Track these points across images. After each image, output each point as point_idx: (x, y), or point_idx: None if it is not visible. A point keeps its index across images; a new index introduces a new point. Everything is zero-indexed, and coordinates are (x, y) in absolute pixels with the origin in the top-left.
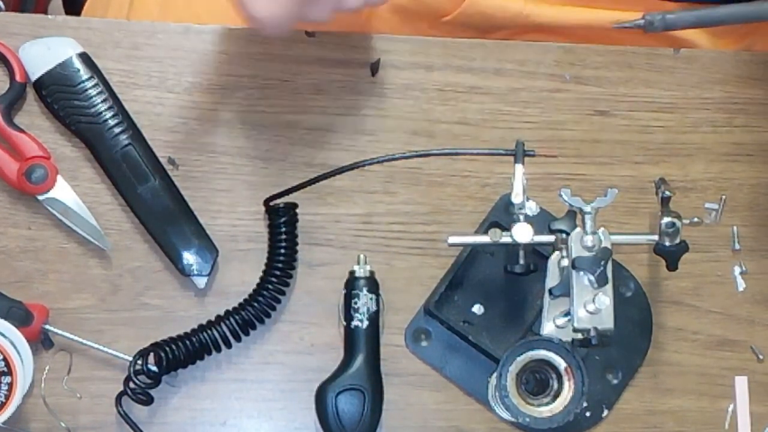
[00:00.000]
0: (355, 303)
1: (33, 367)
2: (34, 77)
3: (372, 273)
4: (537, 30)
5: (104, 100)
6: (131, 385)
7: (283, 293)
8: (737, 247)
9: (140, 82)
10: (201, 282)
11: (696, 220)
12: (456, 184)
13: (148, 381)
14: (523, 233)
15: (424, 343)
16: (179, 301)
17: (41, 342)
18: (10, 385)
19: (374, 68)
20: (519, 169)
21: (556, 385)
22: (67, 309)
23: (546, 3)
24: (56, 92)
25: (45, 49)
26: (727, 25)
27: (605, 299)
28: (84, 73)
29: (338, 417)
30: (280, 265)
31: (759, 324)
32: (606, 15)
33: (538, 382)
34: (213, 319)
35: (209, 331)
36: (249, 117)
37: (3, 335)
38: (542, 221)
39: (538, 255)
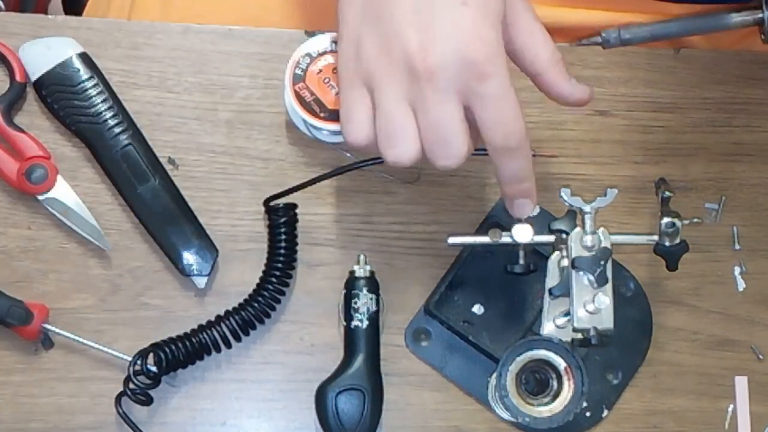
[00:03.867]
0: (355, 303)
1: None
2: (34, 77)
3: (372, 273)
4: None
5: (104, 100)
6: (131, 385)
7: (283, 293)
8: (737, 247)
9: (140, 82)
10: (201, 282)
11: (696, 220)
12: (456, 184)
13: (148, 381)
14: (523, 233)
15: (424, 343)
16: (179, 301)
17: (41, 342)
18: None
19: None
20: None
21: (556, 385)
22: (67, 309)
23: (546, 4)
24: (56, 92)
25: (45, 49)
26: (681, 37)
27: (605, 299)
28: (84, 73)
29: (338, 417)
30: (280, 265)
31: (759, 324)
32: (605, 16)
33: (538, 382)
34: (213, 319)
35: (209, 332)
36: (249, 117)
37: None
38: (542, 221)
39: (538, 255)
